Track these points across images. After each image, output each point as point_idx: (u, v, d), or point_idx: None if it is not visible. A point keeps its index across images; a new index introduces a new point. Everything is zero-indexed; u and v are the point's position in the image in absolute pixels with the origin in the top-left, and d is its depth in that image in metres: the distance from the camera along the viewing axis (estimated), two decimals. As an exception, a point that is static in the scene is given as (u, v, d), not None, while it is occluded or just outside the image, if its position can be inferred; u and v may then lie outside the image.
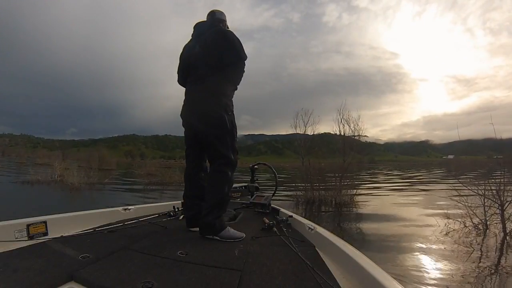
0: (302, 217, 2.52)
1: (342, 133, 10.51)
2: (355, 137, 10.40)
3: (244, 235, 1.99)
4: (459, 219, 5.56)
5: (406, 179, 22.10)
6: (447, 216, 5.65)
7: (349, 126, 10.41)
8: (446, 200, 6.50)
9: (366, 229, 5.78)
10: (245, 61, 2.30)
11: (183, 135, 2.35)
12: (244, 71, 2.32)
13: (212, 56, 2.15)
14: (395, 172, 33.54)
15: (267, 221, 2.27)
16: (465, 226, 5.42)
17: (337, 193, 9.14)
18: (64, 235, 1.78)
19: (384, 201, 9.63)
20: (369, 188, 13.49)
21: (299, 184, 10.35)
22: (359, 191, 10.15)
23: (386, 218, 6.75)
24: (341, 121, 10.60)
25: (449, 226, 5.46)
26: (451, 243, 4.58)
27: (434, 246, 4.43)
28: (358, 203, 9.07)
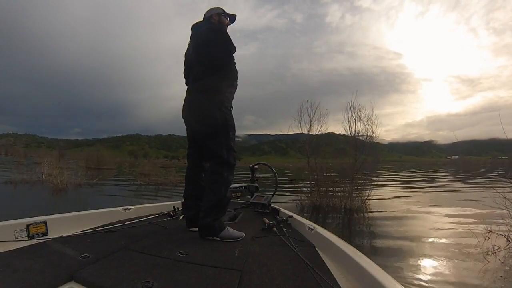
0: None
1: (353, 130, 9.13)
2: (367, 137, 9.11)
3: (244, 234, 1.99)
4: (502, 233, 4.53)
5: (420, 180, 20.57)
6: (489, 229, 4.65)
7: (362, 122, 9.04)
8: (478, 206, 6.04)
9: (391, 247, 4.47)
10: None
11: (186, 134, 2.37)
12: (235, 63, 2.29)
13: (203, 55, 2.16)
14: (408, 173, 31.28)
15: (267, 221, 2.27)
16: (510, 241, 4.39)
17: (347, 197, 8.10)
18: (64, 235, 1.79)
19: (404, 208, 8.16)
20: (386, 193, 11.72)
21: (304, 186, 9.37)
22: (373, 195, 8.91)
23: (411, 231, 5.47)
24: (352, 115, 9.12)
25: (492, 243, 4.33)
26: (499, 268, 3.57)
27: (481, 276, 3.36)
28: (372, 209, 7.93)
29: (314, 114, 9.26)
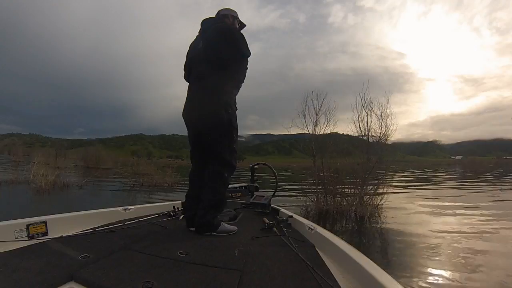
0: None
1: (365, 124, 7.77)
2: (380, 134, 7.61)
3: (236, 228, 2.08)
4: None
5: (435, 180, 18.99)
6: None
7: (375, 113, 7.61)
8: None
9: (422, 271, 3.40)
10: (248, 58, 2.27)
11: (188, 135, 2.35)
12: (247, 68, 2.29)
13: (214, 53, 2.13)
14: (418, 173, 29.50)
15: (267, 221, 2.27)
16: None
17: (358, 202, 7.00)
18: (64, 235, 1.79)
19: (427, 216, 6.72)
20: (400, 196, 10.27)
21: (309, 189, 8.15)
22: (388, 199, 7.61)
23: (442, 250, 4.15)
24: (363, 106, 7.71)
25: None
26: None
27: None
28: (388, 215, 6.76)
29: (321, 106, 8.04)
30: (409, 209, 7.82)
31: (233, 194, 3.79)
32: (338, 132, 8.54)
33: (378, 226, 5.91)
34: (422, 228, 5.62)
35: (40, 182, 9.86)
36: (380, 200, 7.28)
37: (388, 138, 7.67)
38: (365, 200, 7.13)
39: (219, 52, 2.11)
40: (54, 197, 8.99)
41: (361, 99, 7.76)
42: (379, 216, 6.72)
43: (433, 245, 4.34)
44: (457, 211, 7.34)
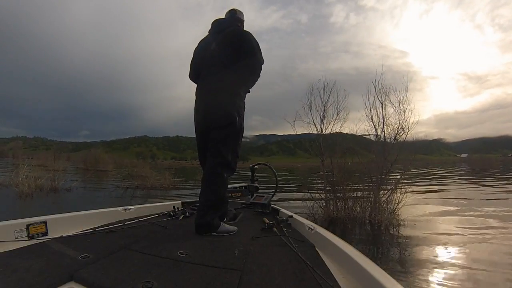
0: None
1: (380, 116, 6.70)
2: (400, 127, 6.48)
3: (236, 228, 2.09)
4: None
5: (454, 180, 17.78)
6: None
7: (393, 105, 6.52)
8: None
9: None
10: (262, 66, 2.28)
11: (193, 135, 2.35)
12: (259, 76, 2.31)
13: (228, 55, 2.15)
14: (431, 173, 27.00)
15: (267, 221, 2.27)
16: None
17: (373, 207, 6.19)
18: (64, 235, 1.80)
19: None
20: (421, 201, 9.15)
21: (316, 192, 7.17)
22: (407, 203, 6.45)
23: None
24: (377, 96, 6.66)
25: None
26: None
27: None
28: (409, 223, 5.93)
29: (329, 97, 7.12)
30: (433, 215, 7.01)
31: (233, 194, 3.80)
32: (342, 132, 7.51)
33: (399, 236, 5.22)
34: (448, 237, 5.01)
35: (23, 186, 9.34)
36: (398, 204, 6.31)
37: (409, 132, 6.58)
38: (381, 204, 6.29)
39: (234, 55, 2.13)
40: (35, 202, 8.51)
41: (375, 88, 6.77)
42: (399, 224, 5.92)
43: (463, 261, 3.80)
44: (489, 216, 6.60)
